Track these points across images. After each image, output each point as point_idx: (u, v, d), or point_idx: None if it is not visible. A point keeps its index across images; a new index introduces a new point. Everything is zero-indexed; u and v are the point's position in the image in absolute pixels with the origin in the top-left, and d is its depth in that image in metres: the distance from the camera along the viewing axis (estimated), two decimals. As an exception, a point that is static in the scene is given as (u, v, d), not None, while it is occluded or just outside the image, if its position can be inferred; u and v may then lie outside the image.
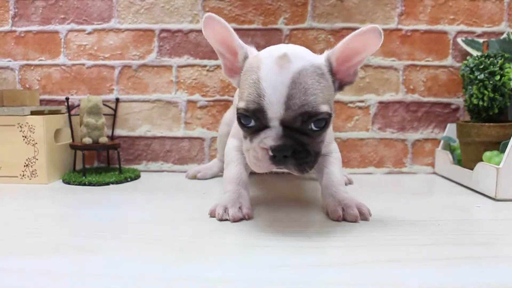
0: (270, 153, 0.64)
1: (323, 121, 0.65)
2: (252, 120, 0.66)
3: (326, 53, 0.71)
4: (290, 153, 0.64)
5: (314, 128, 0.65)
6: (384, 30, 0.82)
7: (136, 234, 0.67)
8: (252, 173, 0.86)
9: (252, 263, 0.55)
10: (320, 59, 0.69)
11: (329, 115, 0.66)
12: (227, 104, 1.20)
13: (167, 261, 0.56)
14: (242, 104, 0.66)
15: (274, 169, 0.66)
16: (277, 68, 0.64)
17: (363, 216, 0.74)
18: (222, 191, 0.83)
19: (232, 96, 1.18)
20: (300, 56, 0.67)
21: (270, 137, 0.64)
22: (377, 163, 1.24)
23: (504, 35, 1.18)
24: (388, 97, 1.22)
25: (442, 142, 1.20)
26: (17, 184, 1.05)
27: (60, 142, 1.12)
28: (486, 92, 1.00)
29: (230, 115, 1.09)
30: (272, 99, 0.63)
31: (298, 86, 0.63)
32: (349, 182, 1.08)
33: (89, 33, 1.23)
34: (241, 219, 0.73)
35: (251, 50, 0.73)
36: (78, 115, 1.16)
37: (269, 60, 0.66)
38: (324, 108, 0.65)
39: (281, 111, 0.63)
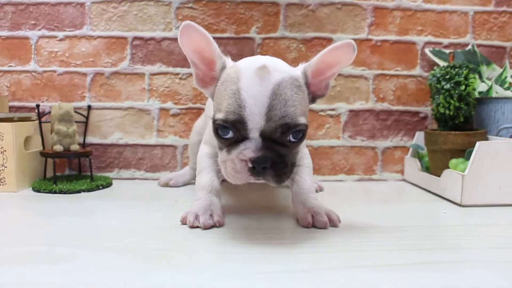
0: (250, 165, 0.63)
1: (301, 132, 0.66)
2: (231, 131, 0.65)
3: (302, 65, 0.72)
4: (269, 165, 0.64)
5: (292, 139, 0.66)
6: (355, 40, 0.84)
7: (108, 242, 0.67)
8: (224, 180, 0.86)
9: (223, 270, 0.56)
10: (297, 72, 0.70)
11: (306, 126, 0.67)
12: (199, 112, 1.21)
13: (139, 269, 0.56)
14: (220, 115, 0.65)
15: (252, 180, 0.66)
16: (257, 79, 0.64)
17: (333, 222, 0.75)
18: (194, 198, 0.83)
19: (204, 104, 1.18)
20: (278, 68, 0.67)
21: (249, 149, 0.64)
22: (348, 171, 1.26)
23: (469, 47, 1.22)
24: (358, 105, 1.25)
25: (411, 149, 1.23)
26: (-15, 193, 1.03)
27: (30, 150, 1.11)
28: (452, 101, 1.04)
29: (201, 123, 1.09)
30: (253, 110, 0.63)
31: (278, 97, 0.64)
32: (320, 189, 1.09)
33: (61, 40, 1.22)
34: (212, 226, 0.74)
35: (228, 60, 0.73)
36: (49, 122, 1.15)
37: (248, 71, 0.66)
38: (302, 120, 0.65)
39: (262, 122, 0.63)
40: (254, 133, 0.64)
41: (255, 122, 0.63)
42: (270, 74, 0.65)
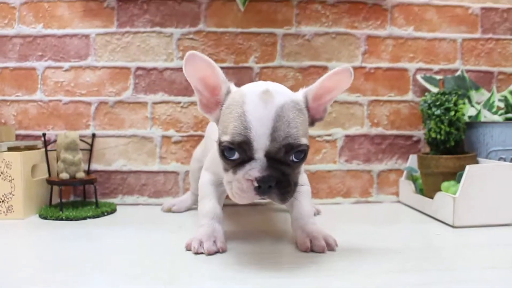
0: (256, 184, 0.67)
1: (303, 152, 0.70)
2: (236, 152, 0.68)
3: (303, 90, 0.76)
4: (274, 184, 0.67)
5: (294, 159, 0.69)
6: (349, 68, 0.88)
7: (114, 267, 0.70)
8: (225, 206, 0.90)
9: (227, 294, 0.59)
10: (298, 96, 0.75)
11: (308, 147, 0.71)
12: (200, 139, 1.24)
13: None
14: (226, 138, 0.68)
15: (258, 199, 0.69)
16: (261, 103, 0.68)
17: (330, 247, 0.79)
18: (196, 224, 0.86)
19: (205, 131, 1.22)
20: (281, 92, 0.71)
21: (255, 169, 0.67)
22: (345, 194, 1.30)
23: (459, 72, 1.27)
24: (354, 130, 1.29)
25: (405, 172, 1.27)
26: (-7, 220, 1.06)
27: (36, 177, 1.14)
28: (442, 126, 1.08)
29: (201, 150, 1.13)
30: (258, 131, 0.66)
31: (282, 119, 0.67)
32: (317, 213, 1.13)
33: (66, 70, 1.27)
34: (215, 252, 0.77)
35: (232, 85, 0.76)
36: (55, 150, 1.19)
37: (253, 95, 0.69)
38: (304, 140, 0.69)
39: (267, 142, 0.67)
40: (259, 154, 0.67)
41: (261, 143, 0.67)
42: (273, 98, 0.69)
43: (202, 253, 0.77)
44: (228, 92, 0.75)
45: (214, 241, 0.78)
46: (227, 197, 0.93)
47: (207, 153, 1.01)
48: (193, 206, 1.18)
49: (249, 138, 0.67)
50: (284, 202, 0.70)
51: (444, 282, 0.64)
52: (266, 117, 0.67)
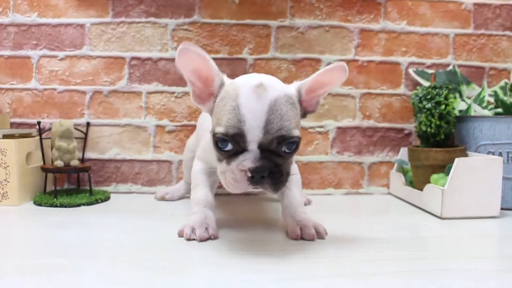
0: (249, 174, 0.69)
1: (295, 144, 0.72)
2: (230, 144, 0.70)
3: (296, 84, 0.78)
4: (267, 174, 0.69)
5: (286, 150, 0.71)
6: (342, 60, 0.89)
7: (107, 254, 0.71)
8: (217, 195, 0.91)
9: (219, 280, 0.61)
10: (291, 90, 0.76)
11: (299, 138, 0.72)
12: (194, 129, 1.25)
13: (138, 280, 0.60)
14: (221, 129, 0.70)
15: (251, 189, 0.71)
16: (255, 96, 0.69)
17: (320, 235, 0.81)
18: (189, 212, 0.87)
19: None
20: (274, 86, 0.72)
21: (248, 159, 0.69)
22: (336, 185, 1.31)
23: (450, 67, 1.29)
24: (346, 123, 1.31)
25: (396, 165, 1.29)
26: (-12, 206, 1.07)
27: (31, 165, 1.15)
28: (433, 120, 1.10)
29: (193, 140, 1.14)
30: (252, 124, 0.68)
31: (275, 113, 0.69)
32: (308, 203, 1.14)
33: (61, 59, 1.27)
34: (207, 239, 0.79)
35: (225, 77, 0.77)
36: (50, 138, 1.19)
37: (246, 88, 0.71)
38: (296, 132, 0.71)
39: (260, 134, 0.68)
40: (252, 145, 0.69)
41: (254, 135, 0.68)
42: (267, 92, 0.70)
43: (194, 239, 0.78)
44: (222, 84, 0.75)
45: (206, 228, 0.80)
46: (220, 186, 0.95)
47: (200, 142, 1.02)
48: (186, 195, 1.19)
49: (242, 130, 0.68)
50: (277, 191, 0.72)
51: (429, 270, 0.65)
52: (259, 110, 0.68)
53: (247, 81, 0.73)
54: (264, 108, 0.69)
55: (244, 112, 0.68)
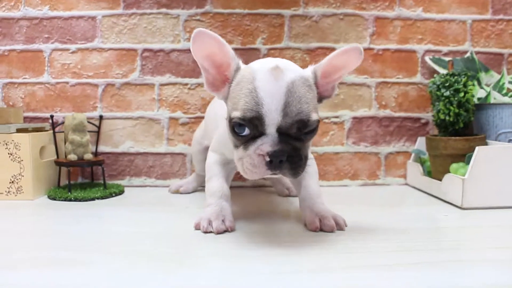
0: (267, 159, 0.67)
1: (314, 127, 0.70)
2: (247, 128, 0.68)
3: (312, 67, 0.76)
4: (286, 158, 0.67)
5: (305, 134, 0.70)
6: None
7: (123, 247, 0.70)
8: (231, 188, 0.90)
9: (236, 272, 0.60)
10: (307, 72, 0.74)
11: (318, 122, 0.71)
12: (208, 120, 1.25)
13: (155, 272, 0.59)
14: (237, 114, 0.68)
15: (269, 174, 0.69)
16: (272, 79, 0.68)
17: (339, 226, 0.79)
18: (204, 204, 0.86)
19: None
20: (290, 68, 0.71)
21: (267, 143, 0.67)
22: (352, 176, 1.30)
23: (468, 54, 1.26)
24: (361, 112, 1.29)
25: (413, 155, 1.26)
26: (3, 201, 1.07)
27: (44, 159, 1.15)
28: (452, 108, 1.07)
29: (201, 132, 1.13)
30: (270, 106, 0.67)
31: (293, 95, 0.68)
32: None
33: (73, 52, 1.26)
34: (224, 231, 0.78)
35: (240, 63, 0.76)
36: (63, 132, 1.19)
37: (263, 71, 0.69)
38: (315, 116, 0.69)
39: (279, 118, 0.67)
40: (270, 129, 0.67)
41: (272, 118, 0.67)
42: (283, 74, 0.69)
43: (211, 232, 0.77)
44: (237, 69, 0.74)
45: (223, 220, 0.79)
46: (235, 177, 0.94)
47: (208, 134, 1.01)
48: (199, 187, 1.18)
49: (261, 113, 0.67)
50: (296, 176, 0.70)
51: (448, 261, 0.64)
52: (277, 93, 0.67)
53: (264, 65, 0.72)
54: (282, 90, 0.67)
55: (261, 94, 0.67)
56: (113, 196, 1.11)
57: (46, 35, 1.26)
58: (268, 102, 0.67)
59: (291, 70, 0.70)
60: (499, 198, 0.97)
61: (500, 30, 1.30)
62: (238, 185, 1.24)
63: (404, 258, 0.65)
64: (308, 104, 0.69)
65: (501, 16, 1.30)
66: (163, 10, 1.26)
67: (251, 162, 0.68)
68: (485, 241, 0.74)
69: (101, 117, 1.25)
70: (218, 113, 0.89)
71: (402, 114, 1.30)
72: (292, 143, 0.68)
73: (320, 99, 0.78)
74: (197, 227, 0.79)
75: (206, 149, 1.01)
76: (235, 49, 1.24)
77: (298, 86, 0.69)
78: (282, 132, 0.68)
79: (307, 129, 0.69)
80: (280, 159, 0.67)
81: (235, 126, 0.69)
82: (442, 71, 1.22)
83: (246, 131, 0.69)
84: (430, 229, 0.83)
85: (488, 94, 1.16)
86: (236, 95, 0.71)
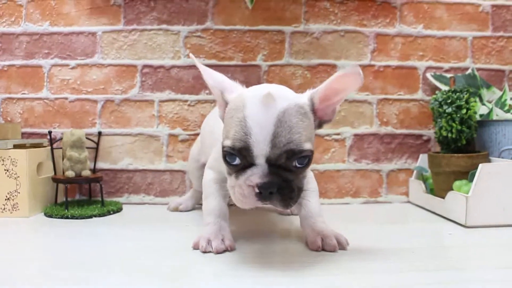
0: (257, 190, 0.65)
1: (306, 158, 0.68)
2: (237, 158, 0.67)
3: (309, 92, 0.73)
4: (276, 190, 0.65)
5: (297, 165, 0.67)
6: (358, 66, 0.87)
7: (120, 266, 0.69)
8: (230, 205, 0.88)
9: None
10: (303, 99, 0.72)
11: (312, 152, 0.68)
12: (208, 137, 1.23)
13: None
14: (228, 143, 0.67)
15: (260, 205, 0.67)
16: (262, 107, 0.66)
17: (341, 245, 0.77)
18: (203, 223, 0.84)
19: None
20: (283, 96, 0.69)
21: (256, 175, 0.65)
22: (354, 193, 1.28)
23: (469, 71, 1.25)
24: (363, 129, 1.28)
25: (415, 172, 1.25)
26: (-2, 218, 1.05)
27: (42, 175, 1.13)
28: (454, 124, 1.06)
29: (197, 149, 1.12)
30: (258, 137, 0.65)
31: (283, 125, 0.65)
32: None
33: (73, 68, 1.26)
34: (224, 251, 0.76)
35: (237, 86, 0.75)
36: (61, 148, 1.18)
37: (254, 99, 0.67)
38: (308, 146, 0.67)
39: (267, 148, 0.65)
40: (260, 160, 0.65)
41: (260, 149, 0.65)
42: (275, 102, 0.66)
43: (210, 251, 0.75)
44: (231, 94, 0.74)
45: (222, 240, 0.77)
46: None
47: (204, 150, 1.00)
48: (196, 206, 1.17)
49: (248, 144, 0.65)
50: (287, 208, 0.68)
51: (454, 281, 0.62)
52: (267, 123, 0.65)
53: (255, 92, 0.70)
54: (271, 120, 0.65)
55: (250, 124, 0.65)
56: (111, 214, 1.10)
57: (46, 51, 1.26)
58: (256, 132, 0.65)
59: (283, 98, 0.68)
60: (504, 216, 0.96)
61: (501, 47, 1.30)
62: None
63: (409, 279, 0.63)
64: (299, 134, 0.66)
65: (501, 33, 1.30)
66: (164, 26, 1.25)
67: (241, 192, 0.67)
68: (491, 261, 0.73)
69: (100, 134, 1.24)
70: (215, 129, 0.87)
71: (404, 131, 1.29)
72: (283, 175, 0.66)
73: (320, 124, 0.76)
74: (196, 247, 0.77)
75: (203, 166, 0.99)
76: (236, 66, 1.26)
77: (290, 115, 0.66)
78: (272, 163, 0.66)
79: (298, 160, 0.67)
80: (269, 191, 0.65)
81: (227, 155, 0.68)
82: (444, 87, 1.22)
83: (237, 161, 0.67)
84: (435, 247, 0.82)
85: (491, 110, 1.15)
86: (228, 122, 0.70)
